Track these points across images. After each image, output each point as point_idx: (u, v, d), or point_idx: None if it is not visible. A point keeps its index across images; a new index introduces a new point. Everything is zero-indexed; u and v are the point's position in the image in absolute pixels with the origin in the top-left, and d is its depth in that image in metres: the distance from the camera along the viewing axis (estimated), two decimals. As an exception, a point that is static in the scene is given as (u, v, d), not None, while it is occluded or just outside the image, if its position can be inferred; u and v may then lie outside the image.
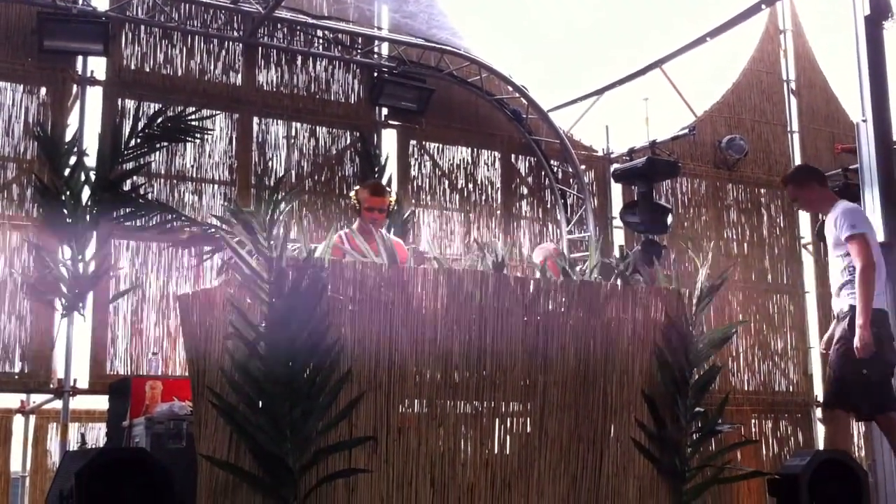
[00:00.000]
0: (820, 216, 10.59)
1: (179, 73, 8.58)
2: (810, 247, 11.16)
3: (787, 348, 10.82)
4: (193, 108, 8.37)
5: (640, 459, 4.52)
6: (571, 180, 10.04)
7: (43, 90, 8.04)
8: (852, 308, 5.27)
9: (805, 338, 10.89)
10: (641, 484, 4.52)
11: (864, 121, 7.62)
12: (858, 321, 5.15)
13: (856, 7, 7.79)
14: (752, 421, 10.36)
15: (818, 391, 10.84)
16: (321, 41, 9.12)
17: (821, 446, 10.53)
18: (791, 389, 10.78)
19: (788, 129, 11.49)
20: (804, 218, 11.20)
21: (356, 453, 3.85)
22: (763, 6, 9.99)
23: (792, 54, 11.60)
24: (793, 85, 11.57)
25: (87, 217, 7.65)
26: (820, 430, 10.73)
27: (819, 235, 10.73)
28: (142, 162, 8.08)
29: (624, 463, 4.48)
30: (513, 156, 10.01)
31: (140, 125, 8.04)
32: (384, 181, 8.93)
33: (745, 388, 10.45)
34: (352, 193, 5.59)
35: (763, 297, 10.82)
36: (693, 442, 4.66)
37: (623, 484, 4.46)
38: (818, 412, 10.78)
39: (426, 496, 3.99)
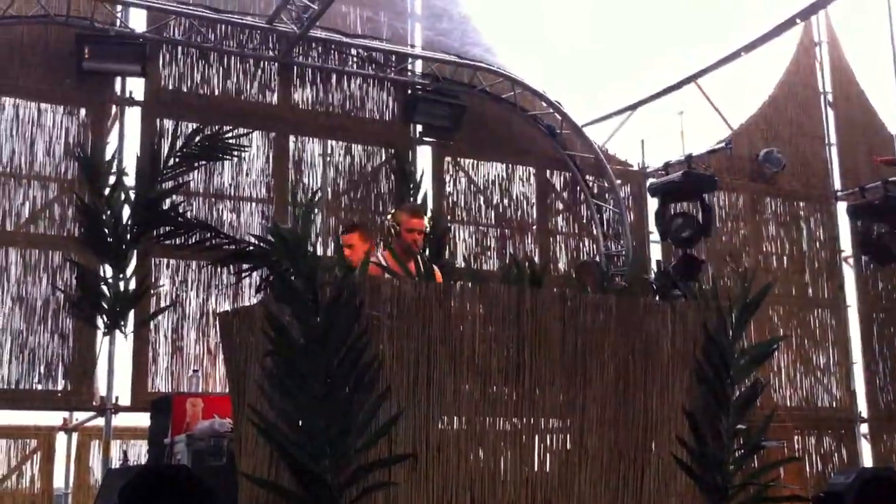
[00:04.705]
0: (859, 226, 10.56)
1: (216, 92, 8.68)
2: (851, 260, 11.00)
3: (829, 363, 10.66)
4: (230, 127, 8.44)
5: (682, 477, 4.47)
6: (607, 195, 9.99)
7: (82, 111, 8.18)
8: None
9: (848, 353, 10.71)
10: (682, 501, 4.46)
11: (904, 132, 7.53)
12: None
13: (892, 19, 7.72)
14: (795, 437, 10.20)
15: (862, 407, 10.66)
16: (355, 59, 9.18)
17: (865, 463, 10.36)
18: (834, 405, 10.61)
19: (826, 141, 11.35)
20: (845, 231, 11.06)
21: (395, 470, 3.84)
22: (798, 20, 9.91)
23: (828, 66, 11.47)
24: (829, 97, 11.43)
25: (128, 236, 7.73)
26: (864, 447, 10.54)
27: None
28: (180, 181, 8.13)
29: (665, 480, 4.43)
30: (547, 171, 9.99)
31: (178, 144, 8.09)
32: (419, 198, 8.96)
33: (788, 404, 10.30)
34: (389, 216, 5.61)
35: (804, 312, 10.67)
36: (735, 459, 4.60)
37: (664, 501, 4.41)
38: (863, 428, 10.60)
39: (466, 514, 3.96)
